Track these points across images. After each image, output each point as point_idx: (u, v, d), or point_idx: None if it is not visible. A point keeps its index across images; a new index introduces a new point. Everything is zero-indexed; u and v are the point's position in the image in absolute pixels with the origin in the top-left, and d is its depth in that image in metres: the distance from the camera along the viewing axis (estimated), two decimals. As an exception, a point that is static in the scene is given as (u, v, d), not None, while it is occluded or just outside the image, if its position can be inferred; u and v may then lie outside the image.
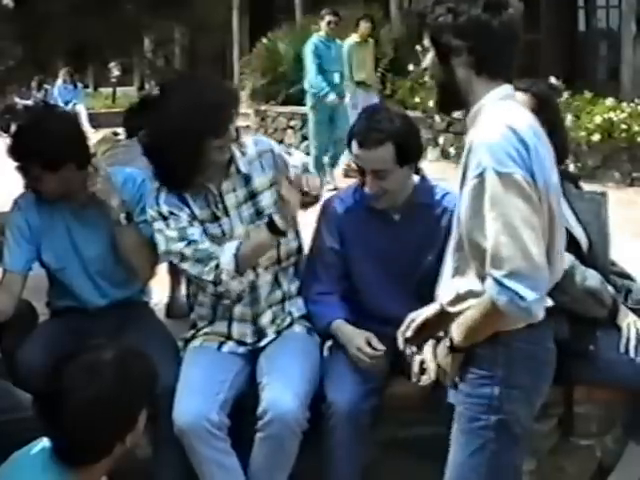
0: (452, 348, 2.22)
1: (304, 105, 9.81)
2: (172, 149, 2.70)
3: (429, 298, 2.43)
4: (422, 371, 2.76)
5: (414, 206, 2.90)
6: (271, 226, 2.74)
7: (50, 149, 2.83)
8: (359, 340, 2.85)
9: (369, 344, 2.84)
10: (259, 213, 2.88)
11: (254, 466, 2.76)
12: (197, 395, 2.72)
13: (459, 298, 2.21)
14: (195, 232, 2.79)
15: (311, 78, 9.25)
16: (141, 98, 4.92)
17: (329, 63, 9.29)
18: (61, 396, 2.00)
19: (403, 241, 2.90)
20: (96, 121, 15.02)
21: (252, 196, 2.89)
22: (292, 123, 12.52)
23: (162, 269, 3.46)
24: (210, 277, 2.76)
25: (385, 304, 2.94)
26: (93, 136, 4.49)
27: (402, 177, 2.82)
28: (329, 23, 9.34)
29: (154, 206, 2.81)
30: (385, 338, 2.91)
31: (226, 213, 2.87)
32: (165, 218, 2.79)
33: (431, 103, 10.12)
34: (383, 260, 2.94)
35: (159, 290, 3.51)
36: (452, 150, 10.67)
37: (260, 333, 2.95)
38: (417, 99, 11.17)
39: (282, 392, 2.71)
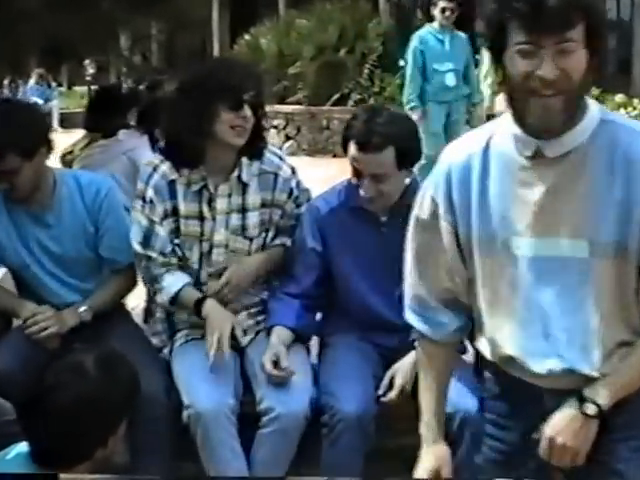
0: (599, 416, 1.89)
1: (287, 104, 9.36)
2: (180, 109, 2.77)
3: None
4: (390, 386, 2.80)
5: (403, 207, 2.80)
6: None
7: (24, 136, 2.92)
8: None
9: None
10: (244, 229, 2.92)
11: (258, 458, 2.77)
12: (212, 381, 2.78)
13: (608, 354, 1.91)
14: (160, 232, 2.85)
15: (406, 83, 7.64)
16: (96, 92, 4.89)
17: (440, 60, 7.49)
18: (45, 396, 2.04)
19: (390, 242, 2.78)
20: (71, 121, 14.67)
21: (243, 209, 2.92)
22: (275, 122, 12.18)
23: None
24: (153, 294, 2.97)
25: (372, 307, 2.92)
26: (64, 136, 4.45)
27: (400, 180, 2.81)
28: (443, 11, 7.43)
29: (142, 183, 2.87)
30: (372, 344, 2.92)
31: (213, 216, 2.89)
32: (144, 201, 2.86)
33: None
34: (369, 262, 2.90)
35: (135, 294, 3.45)
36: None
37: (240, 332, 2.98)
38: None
39: (286, 387, 2.77)
